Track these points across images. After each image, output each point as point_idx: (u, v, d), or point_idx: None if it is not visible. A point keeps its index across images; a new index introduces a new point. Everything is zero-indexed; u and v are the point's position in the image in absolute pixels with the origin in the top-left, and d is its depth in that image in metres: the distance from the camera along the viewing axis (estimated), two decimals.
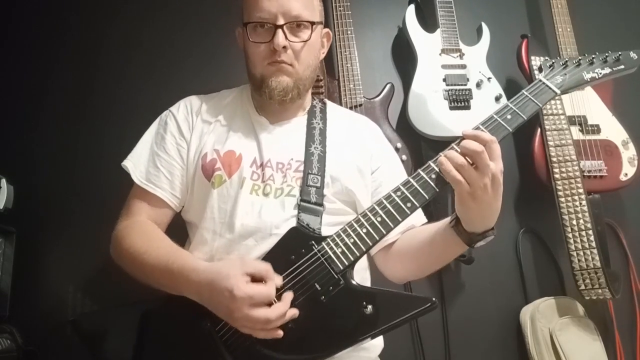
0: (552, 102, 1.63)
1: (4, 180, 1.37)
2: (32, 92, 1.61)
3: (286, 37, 1.02)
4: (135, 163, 1.09)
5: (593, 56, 1.04)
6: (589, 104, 1.68)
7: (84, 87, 1.62)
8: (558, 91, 0.99)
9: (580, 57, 1.05)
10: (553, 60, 1.04)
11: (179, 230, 1.11)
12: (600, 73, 1.03)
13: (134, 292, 0.98)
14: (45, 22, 1.66)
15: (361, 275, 1.05)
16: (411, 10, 1.70)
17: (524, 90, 0.98)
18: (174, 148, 1.09)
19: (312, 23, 1.06)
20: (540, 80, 1.00)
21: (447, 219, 0.98)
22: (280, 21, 1.02)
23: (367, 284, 1.09)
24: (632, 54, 1.05)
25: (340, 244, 0.91)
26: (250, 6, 1.06)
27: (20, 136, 1.56)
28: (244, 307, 0.83)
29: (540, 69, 1.04)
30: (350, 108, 1.58)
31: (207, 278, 0.87)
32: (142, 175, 1.08)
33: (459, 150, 0.88)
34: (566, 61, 1.04)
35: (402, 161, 1.55)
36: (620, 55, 1.04)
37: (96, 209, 1.50)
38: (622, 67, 1.04)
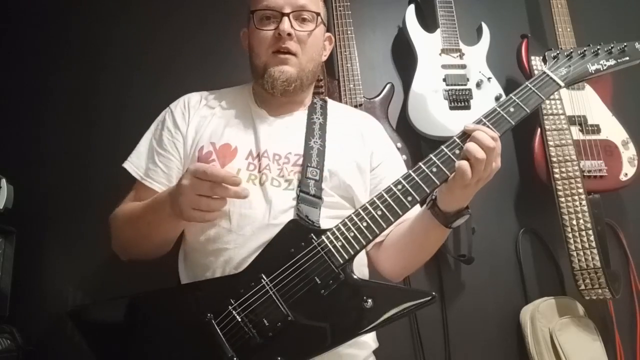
0: (552, 101, 1.63)
1: (4, 180, 1.37)
2: (33, 92, 1.60)
3: (292, 26, 1.05)
4: (135, 160, 1.12)
5: (598, 47, 1.02)
6: (589, 104, 1.68)
7: (84, 87, 1.62)
8: (562, 84, 0.97)
9: (585, 48, 1.02)
10: (557, 52, 1.02)
11: None
12: (605, 65, 1.01)
13: (135, 292, 0.97)
14: (46, 23, 1.66)
15: (360, 272, 1.05)
16: (411, 10, 1.70)
17: (528, 82, 0.97)
18: (170, 142, 1.11)
19: (317, 14, 1.09)
20: (545, 72, 0.98)
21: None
22: (287, 10, 1.06)
23: None
24: (638, 45, 1.03)
25: (341, 238, 0.90)
26: None
27: (20, 136, 1.56)
28: (188, 176, 0.86)
29: (544, 60, 1.02)
30: None
31: (170, 188, 0.95)
32: (141, 171, 1.10)
33: (461, 144, 0.89)
34: (571, 52, 1.01)
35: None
36: (625, 46, 1.02)
37: (96, 209, 1.48)
38: (627, 58, 1.02)
